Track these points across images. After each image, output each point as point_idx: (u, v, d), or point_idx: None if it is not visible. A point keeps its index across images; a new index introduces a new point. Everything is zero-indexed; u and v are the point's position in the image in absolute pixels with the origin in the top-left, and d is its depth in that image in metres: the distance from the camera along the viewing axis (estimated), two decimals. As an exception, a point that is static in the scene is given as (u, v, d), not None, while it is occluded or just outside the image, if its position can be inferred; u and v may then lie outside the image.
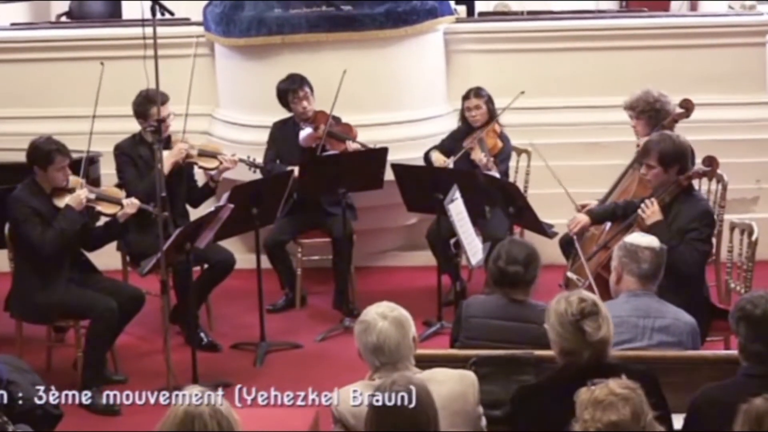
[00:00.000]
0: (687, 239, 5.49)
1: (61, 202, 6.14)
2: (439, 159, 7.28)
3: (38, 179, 6.13)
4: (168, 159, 6.62)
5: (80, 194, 6.09)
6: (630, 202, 5.98)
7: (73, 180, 6.21)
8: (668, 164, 5.66)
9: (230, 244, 6.99)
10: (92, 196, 6.20)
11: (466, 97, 7.33)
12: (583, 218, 6.10)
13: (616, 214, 6.01)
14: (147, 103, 6.58)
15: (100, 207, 6.26)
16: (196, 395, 3.32)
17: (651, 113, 6.42)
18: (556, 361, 4.34)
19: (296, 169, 6.95)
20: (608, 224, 6.05)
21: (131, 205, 6.24)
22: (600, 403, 3.33)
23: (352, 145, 7.17)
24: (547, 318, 4.02)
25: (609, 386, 3.38)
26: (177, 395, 3.39)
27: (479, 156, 7.07)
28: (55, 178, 6.11)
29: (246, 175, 7.06)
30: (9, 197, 6.16)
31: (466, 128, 7.36)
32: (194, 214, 6.85)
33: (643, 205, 5.68)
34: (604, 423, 3.31)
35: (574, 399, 3.40)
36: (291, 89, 7.20)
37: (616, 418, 3.31)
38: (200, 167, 6.92)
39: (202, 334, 6.74)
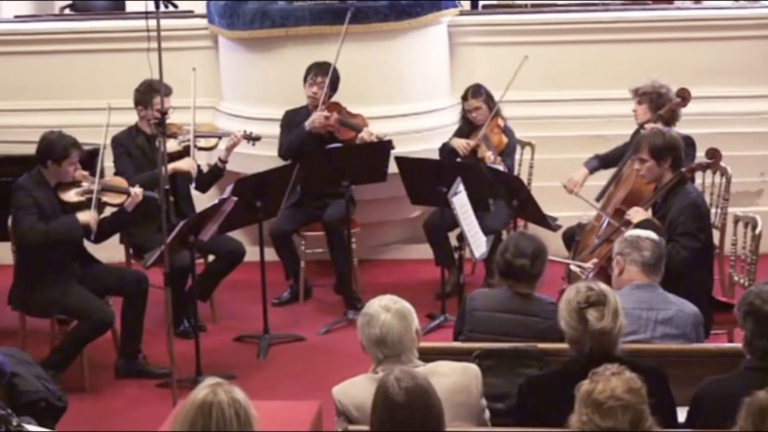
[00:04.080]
0: (673, 237, 5.50)
1: (66, 196, 6.15)
2: (460, 142, 7.19)
3: (45, 173, 6.13)
4: (172, 165, 6.61)
5: (94, 216, 6.09)
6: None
7: (79, 174, 6.21)
8: (660, 157, 5.70)
9: (234, 237, 6.98)
10: (98, 187, 6.22)
11: (464, 98, 7.30)
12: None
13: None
14: (151, 92, 6.63)
15: (107, 198, 6.28)
16: (214, 385, 3.31)
17: (653, 95, 6.51)
18: (559, 354, 4.36)
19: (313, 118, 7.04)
20: (606, 220, 6.06)
21: (137, 193, 6.26)
22: (600, 407, 3.29)
23: (365, 135, 7.14)
24: (560, 305, 4.01)
25: (612, 385, 3.33)
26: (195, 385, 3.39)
27: (486, 154, 7.04)
28: (67, 172, 6.13)
29: (250, 168, 7.05)
30: (14, 184, 6.17)
31: (469, 127, 7.34)
32: (200, 204, 6.84)
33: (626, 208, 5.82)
34: (601, 428, 3.28)
35: (575, 392, 3.39)
36: (312, 72, 7.19)
37: (613, 424, 3.28)
38: (200, 149, 6.93)
39: (186, 321, 6.76)
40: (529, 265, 4.70)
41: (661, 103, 6.49)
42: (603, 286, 4.02)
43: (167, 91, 6.58)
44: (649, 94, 6.52)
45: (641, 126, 6.51)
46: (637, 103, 6.58)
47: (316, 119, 7.12)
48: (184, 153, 6.82)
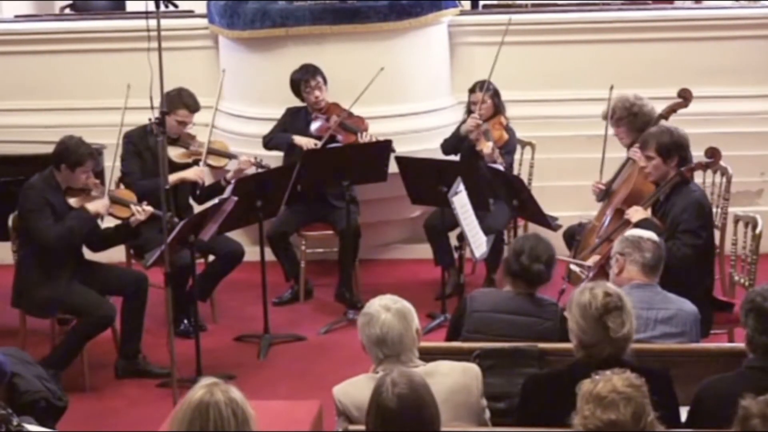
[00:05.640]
0: (675, 234, 5.50)
1: (73, 201, 6.15)
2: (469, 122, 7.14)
3: (57, 176, 6.12)
4: (179, 175, 6.69)
5: (104, 204, 6.10)
6: None
7: (90, 181, 6.20)
8: (667, 155, 5.69)
9: (234, 237, 6.98)
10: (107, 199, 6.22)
11: (472, 91, 7.31)
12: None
13: None
14: (178, 103, 6.64)
15: (113, 210, 6.25)
16: (210, 385, 3.31)
17: (630, 118, 6.32)
18: (559, 354, 4.35)
19: (303, 141, 7.07)
20: (607, 219, 6.06)
21: (143, 212, 6.23)
22: (601, 400, 3.29)
23: (363, 138, 7.16)
24: (568, 308, 3.98)
25: (613, 382, 3.32)
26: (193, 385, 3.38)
27: (485, 146, 7.04)
28: (79, 179, 6.12)
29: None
30: (25, 184, 6.16)
31: (472, 120, 7.34)
32: (198, 208, 6.86)
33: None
34: (603, 421, 3.27)
35: (576, 391, 3.38)
36: (303, 79, 7.20)
37: (615, 417, 3.27)
38: (208, 165, 6.93)
39: (185, 321, 6.78)
40: (545, 270, 4.71)
41: (640, 122, 6.26)
42: (615, 288, 3.99)
43: (194, 108, 6.71)
44: (626, 117, 6.32)
45: (628, 147, 6.37)
46: (615, 127, 6.40)
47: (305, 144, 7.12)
48: (192, 165, 6.83)
